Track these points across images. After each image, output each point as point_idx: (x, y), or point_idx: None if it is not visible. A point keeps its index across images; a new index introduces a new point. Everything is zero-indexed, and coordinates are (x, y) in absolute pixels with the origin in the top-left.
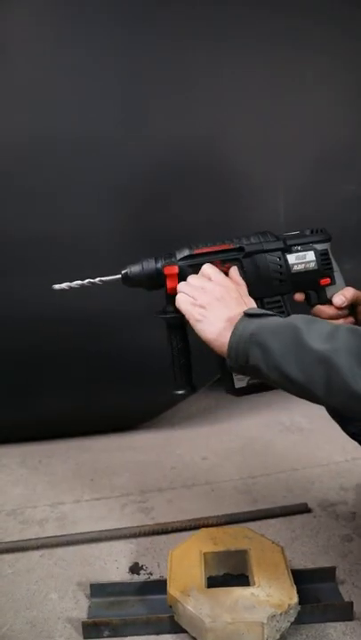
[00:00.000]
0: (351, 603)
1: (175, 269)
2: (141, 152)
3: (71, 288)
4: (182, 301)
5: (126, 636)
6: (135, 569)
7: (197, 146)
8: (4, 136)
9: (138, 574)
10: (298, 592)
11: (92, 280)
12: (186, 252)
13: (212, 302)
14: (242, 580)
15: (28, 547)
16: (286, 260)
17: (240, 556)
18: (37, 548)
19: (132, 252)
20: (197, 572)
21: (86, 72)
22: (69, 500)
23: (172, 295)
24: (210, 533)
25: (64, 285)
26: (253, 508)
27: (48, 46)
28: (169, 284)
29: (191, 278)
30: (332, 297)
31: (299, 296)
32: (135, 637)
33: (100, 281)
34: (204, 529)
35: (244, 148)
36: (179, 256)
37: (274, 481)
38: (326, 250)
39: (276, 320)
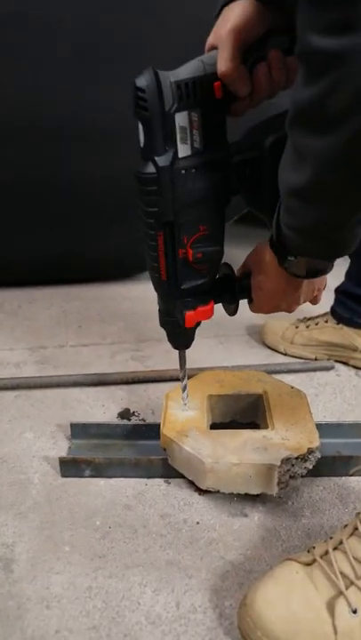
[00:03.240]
0: None
1: None
2: None
3: None
4: None
5: (110, 477)
6: (125, 415)
7: None
8: None
9: (128, 420)
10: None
11: None
12: None
13: None
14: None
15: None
16: None
17: (252, 401)
18: (12, 388)
19: None
20: (198, 415)
21: None
22: (52, 345)
23: None
24: (216, 375)
25: None
26: (269, 362)
27: None
28: None
29: None
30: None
31: None
32: (121, 480)
33: None
34: (209, 371)
35: None
36: None
37: None
38: None
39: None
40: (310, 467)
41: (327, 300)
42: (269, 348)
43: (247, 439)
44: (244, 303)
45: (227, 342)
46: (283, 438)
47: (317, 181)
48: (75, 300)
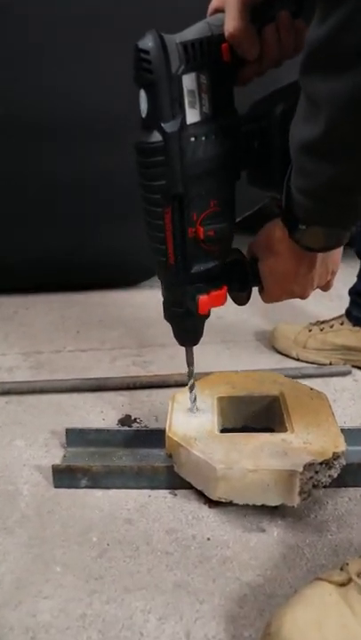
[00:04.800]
0: None
1: None
2: None
3: None
4: None
5: (109, 487)
6: (126, 421)
7: None
8: None
9: (130, 427)
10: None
11: None
12: None
13: None
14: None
15: None
16: None
17: (266, 404)
18: (2, 393)
19: None
20: (208, 418)
21: None
22: (48, 350)
23: None
24: (226, 377)
25: None
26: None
27: None
28: None
29: None
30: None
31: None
32: (121, 492)
33: None
34: (219, 372)
35: None
36: None
37: None
38: None
39: None
40: (335, 475)
41: (340, 304)
42: (280, 353)
43: (264, 443)
44: (247, 309)
45: (234, 348)
46: (304, 442)
47: (332, 131)
48: (74, 306)
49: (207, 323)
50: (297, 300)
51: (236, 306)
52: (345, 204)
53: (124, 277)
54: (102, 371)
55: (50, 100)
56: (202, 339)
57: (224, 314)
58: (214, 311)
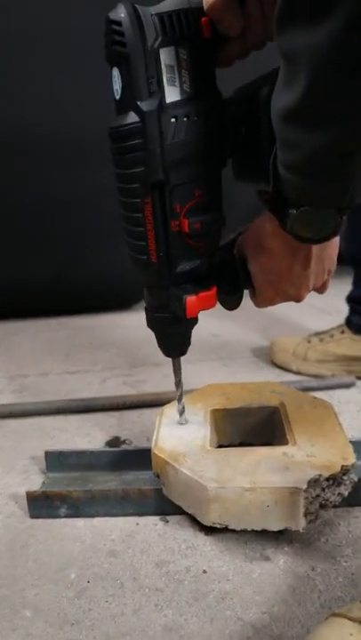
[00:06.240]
0: None
1: None
2: None
3: None
4: None
5: (92, 516)
6: (114, 443)
7: None
8: None
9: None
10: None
11: None
12: None
13: None
14: None
15: None
16: None
17: (265, 416)
18: None
19: None
20: (200, 432)
21: None
22: (34, 373)
23: None
24: (221, 388)
25: None
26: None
27: None
28: None
29: None
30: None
31: None
32: (106, 520)
33: None
34: (213, 384)
35: None
36: None
37: None
38: None
39: None
40: (346, 493)
41: (339, 319)
42: (280, 367)
43: (262, 457)
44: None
45: (232, 364)
46: (308, 455)
47: (314, 90)
48: (64, 330)
49: (202, 340)
50: (296, 315)
51: (232, 323)
52: (334, 178)
53: (115, 300)
54: (91, 392)
55: (34, 120)
56: (197, 356)
57: (220, 331)
58: (209, 328)
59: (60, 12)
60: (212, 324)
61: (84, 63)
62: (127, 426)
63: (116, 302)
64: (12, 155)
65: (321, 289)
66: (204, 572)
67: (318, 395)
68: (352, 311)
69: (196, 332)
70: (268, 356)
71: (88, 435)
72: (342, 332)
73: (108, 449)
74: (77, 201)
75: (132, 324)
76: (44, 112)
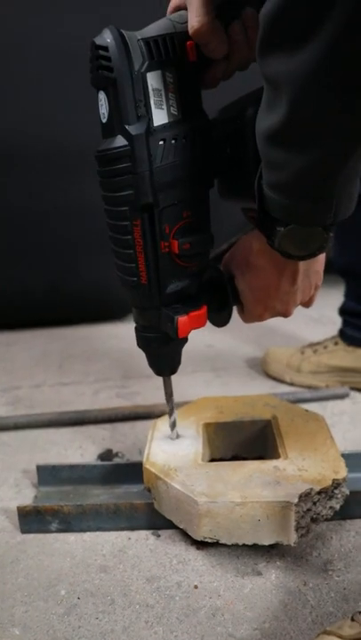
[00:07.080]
0: None
1: None
2: None
3: None
4: None
5: (84, 531)
6: (107, 456)
7: None
8: None
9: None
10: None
11: None
12: None
13: None
14: None
15: None
16: None
17: (258, 430)
18: None
19: None
20: (192, 446)
21: None
22: (27, 385)
23: None
24: (214, 401)
25: None
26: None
27: None
28: None
29: None
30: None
31: None
32: (97, 535)
33: None
34: (206, 397)
35: None
36: None
37: None
38: None
39: None
40: (337, 506)
41: (334, 329)
42: (273, 378)
43: (253, 471)
44: (237, 336)
45: (225, 376)
46: (299, 469)
47: (296, 113)
48: (57, 341)
49: (196, 351)
50: (289, 325)
51: (225, 334)
52: (319, 197)
53: (108, 311)
54: (84, 404)
55: (32, 132)
56: (191, 367)
57: (213, 342)
58: (203, 339)
59: (54, 25)
60: (206, 335)
61: (73, 75)
62: (119, 438)
63: (110, 313)
64: (7, 166)
65: (308, 303)
66: (196, 587)
67: (312, 406)
68: (345, 323)
69: (190, 343)
70: (262, 367)
71: (80, 447)
72: (336, 344)
73: (100, 463)
74: (71, 212)
75: (126, 335)
76: (39, 124)
